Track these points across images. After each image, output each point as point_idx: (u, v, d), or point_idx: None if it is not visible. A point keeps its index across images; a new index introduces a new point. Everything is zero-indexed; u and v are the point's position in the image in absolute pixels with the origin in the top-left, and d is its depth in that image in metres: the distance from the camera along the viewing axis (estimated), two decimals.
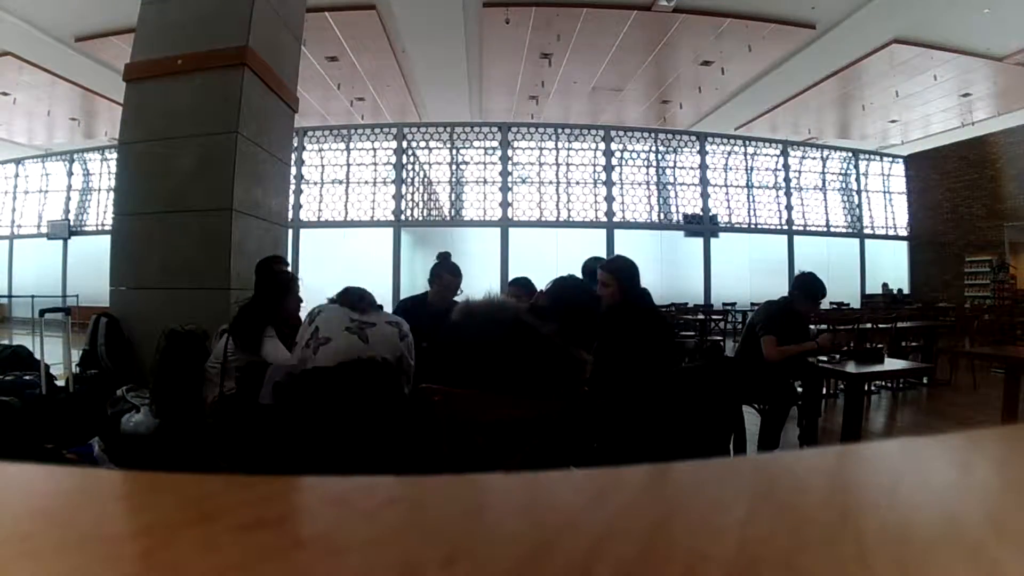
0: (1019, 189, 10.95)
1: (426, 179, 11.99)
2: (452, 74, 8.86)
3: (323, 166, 11.75)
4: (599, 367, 1.50)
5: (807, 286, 3.05)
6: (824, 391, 4.10)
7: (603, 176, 11.93)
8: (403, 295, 11.05)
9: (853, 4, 6.64)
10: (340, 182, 11.67)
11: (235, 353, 2.19)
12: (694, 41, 7.60)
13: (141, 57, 3.48)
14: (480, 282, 4.11)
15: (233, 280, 3.24)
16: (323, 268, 11.05)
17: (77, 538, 0.22)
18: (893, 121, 10.85)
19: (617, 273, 2.28)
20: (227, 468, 2.10)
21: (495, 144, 11.67)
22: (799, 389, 3.21)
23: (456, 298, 2.74)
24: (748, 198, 12.41)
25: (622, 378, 1.98)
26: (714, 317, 7.30)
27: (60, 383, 2.97)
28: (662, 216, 12.10)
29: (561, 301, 1.86)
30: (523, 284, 2.78)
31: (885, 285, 12.47)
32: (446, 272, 2.81)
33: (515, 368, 1.35)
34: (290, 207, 7.06)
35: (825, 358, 2.97)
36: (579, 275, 2.37)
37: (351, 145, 11.72)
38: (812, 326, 3.99)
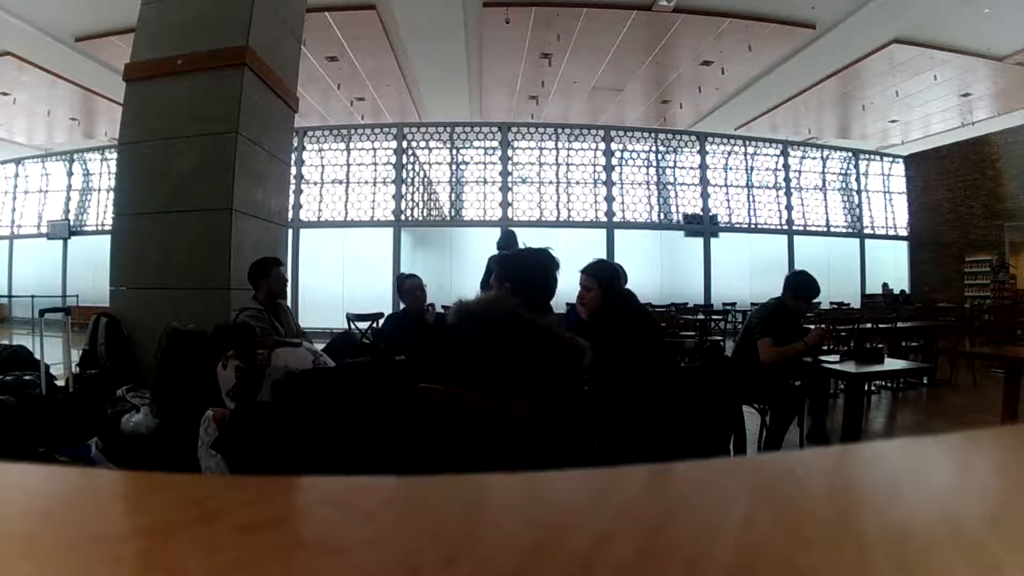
0: (1019, 189, 10.95)
1: (426, 179, 11.99)
2: (452, 74, 8.86)
3: (323, 166, 11.75)
4: (596, 368, 1.50)
5: (798, 286, 3.05)
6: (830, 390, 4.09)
7: (603, 176, 11.93)
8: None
9: (853, 4, 6.64)
10: (340, 182, 11.67)
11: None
12: (694, 41, 7.60)
13: (141, 57, 3.48)
14: (479, 282, 4.12)
15: (233, 280, 3.24)
16: (323, 268, 11.06)
17: (77, 538, 0.22)
18: (893, 121, 10.85)
19: (597, 277, 2.26)
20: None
21: (495, 144, 11.66)
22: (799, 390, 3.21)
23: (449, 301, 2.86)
24: (748, 198, 12.41)
25: (619, 379, 1.97)
26: (714, 317, 7.30)
27: (60, 383, 2.97)
28: (662, 216, 12.10)
29: (513, 271, 1.91)
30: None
31: (885, 285, 12.47)
32: (406, 281, 3.31)
33: (515, 362, 1.34)
34: (290, 207, 7.06)
35: (810, 359, 2.96)
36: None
37: (351, 145, 11.72)
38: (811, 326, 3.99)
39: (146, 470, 0.30)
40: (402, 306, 3.47)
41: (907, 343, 5.59)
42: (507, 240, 4.51)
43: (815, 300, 3.22)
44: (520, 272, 1.89)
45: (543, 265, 1.93)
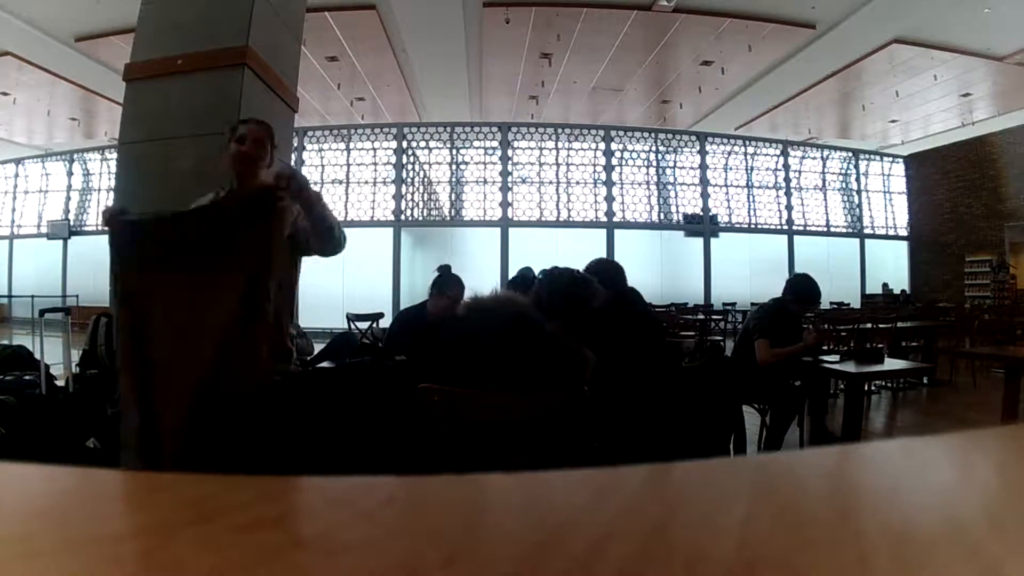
0: (1019, 189, 10.95)
1: (426, 179, 11.99)
2: (452, 74, 8.86)
3: (323, 166, 11.75)
4: (599, 367, 1.50)
5: (800, 290, 3.04)
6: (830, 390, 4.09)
7: (603, 176, 11.93)
8: (403, 295, 11.11)
9: (853, 4, 6.64)
10: (340, 182, 11.67)
11: None
12: (694, 41, 7.60)
13: (141, 57, 3.47)
14: (480, 283, 4.11)
15: None
16: (323, 268, 11.04)
17: (77, 538, 0.22)
18: (893, 121, 10.85)
19: (605, 275, 2.26)
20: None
21: (495, 144, 11.66)
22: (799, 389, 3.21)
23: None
24: (748, 198, 12.41)
25: (621, 378, 1.97)
26: (714, 317, 7.29)
27: (60, 383, 2.97)
28: (662, 216, 12.10)
29: (554, 295, 1.87)
30: (521, 280, 2.75)
31: (885, 285, 12.47)
32: (450, 283, 2.89)
33: (518, 364, 1.34)
34: None
35: (810, 359, 2.96)
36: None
37: (351, 145, 11.72)
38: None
39: (146, 470, 0.30)
40: (423, 298, 3.04)
41: (907, 343, 5.59)
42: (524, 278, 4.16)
43: (815, 304, 3.22)
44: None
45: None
